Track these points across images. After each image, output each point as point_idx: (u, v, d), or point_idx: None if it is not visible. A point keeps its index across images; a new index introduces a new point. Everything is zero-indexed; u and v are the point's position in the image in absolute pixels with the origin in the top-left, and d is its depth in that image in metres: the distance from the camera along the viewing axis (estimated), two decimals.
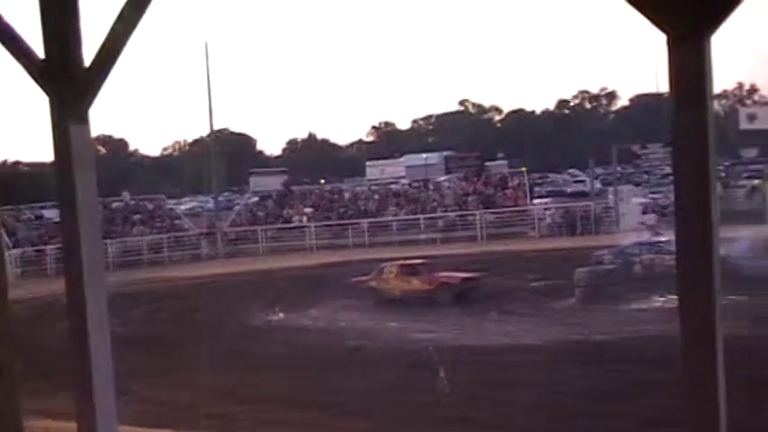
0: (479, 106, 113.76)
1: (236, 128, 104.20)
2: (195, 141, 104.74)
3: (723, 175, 46.55)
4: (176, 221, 49.54)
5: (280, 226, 47.26)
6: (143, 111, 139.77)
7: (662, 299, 23.37)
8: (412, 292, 27.29)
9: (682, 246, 3.12)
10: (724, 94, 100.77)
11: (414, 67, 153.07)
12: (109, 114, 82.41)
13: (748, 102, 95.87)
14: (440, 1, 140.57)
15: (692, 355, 3.07)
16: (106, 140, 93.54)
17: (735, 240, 24.12)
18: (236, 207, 55.43)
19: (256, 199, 52.73)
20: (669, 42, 3.15)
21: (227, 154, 75.26)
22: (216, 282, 35.50)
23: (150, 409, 16.11)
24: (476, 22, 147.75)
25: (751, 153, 48.20)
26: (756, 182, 43.79)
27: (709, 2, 3.11)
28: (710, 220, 3.04)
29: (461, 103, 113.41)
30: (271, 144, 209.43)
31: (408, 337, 22.45)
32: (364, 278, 28.87)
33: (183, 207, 65.80)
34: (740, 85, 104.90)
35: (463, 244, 40.91)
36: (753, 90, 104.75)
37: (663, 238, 27.62)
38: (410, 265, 28.85)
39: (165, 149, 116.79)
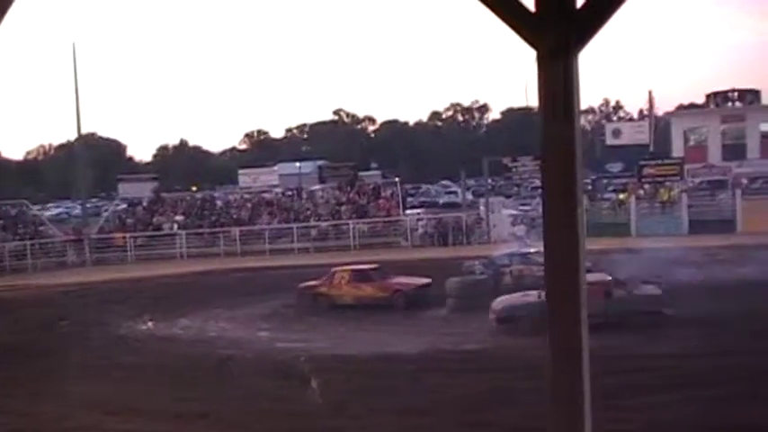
0: (353, 116, 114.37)
1: (105, 132, 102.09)
2: (61, 145, 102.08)
3: (590, 188, 47.96)
4: (41, 228, 47.92)
5: (149, 233, 46.32)
6: (5, 112, 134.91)
7: None
8: (365, 298, 26.65)
9: (550, 256, 3.19)
10: (591, 110, 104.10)
11: (288, 75, 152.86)
12: None
13: (614, 118, 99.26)
14: (315, 11, 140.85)
15: (559, 363, 3.13)
16: None
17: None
18: (105, 214, 54.03)
19: (125, 206, 51.54)
20: (539, 58, 3.22)
21: (96, 159, 73.41)
22: (84, 290, 34.55)
23: (10, 422, 15.57)
24: (351, 33, 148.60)
25: (616, 168, 49.71)
26: (622, 195, 45.32)
27: (576, 21, 3.19)
28: (577, 231, 3.11)
29: (336, 112, 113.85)
30: (141, 150, 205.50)
31: (276, 346, 22.33)
32: (313, 283, 27.97)
33: (48, 213, 63.92)
34: (606, 102, 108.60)
35: (336, 253, 40.93)
36: (618, 107, 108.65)
37: (532, 249, 28.17)
38: (362, 270, 28.12)
39: (28, 153, 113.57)
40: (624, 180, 47.76)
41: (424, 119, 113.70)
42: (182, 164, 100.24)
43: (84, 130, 53.13)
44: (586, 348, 3.18)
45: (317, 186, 52.53)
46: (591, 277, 24.02)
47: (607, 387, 12.27)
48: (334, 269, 28.35)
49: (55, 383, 18.29)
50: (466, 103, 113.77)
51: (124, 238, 45.46)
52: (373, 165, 73.68)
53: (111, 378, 18.96)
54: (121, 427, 15.26)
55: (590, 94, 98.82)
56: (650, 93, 56.80)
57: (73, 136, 57.34)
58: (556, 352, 3.17)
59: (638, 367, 17.00)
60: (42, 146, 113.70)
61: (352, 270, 27.99)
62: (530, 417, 11.78)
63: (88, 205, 54.91)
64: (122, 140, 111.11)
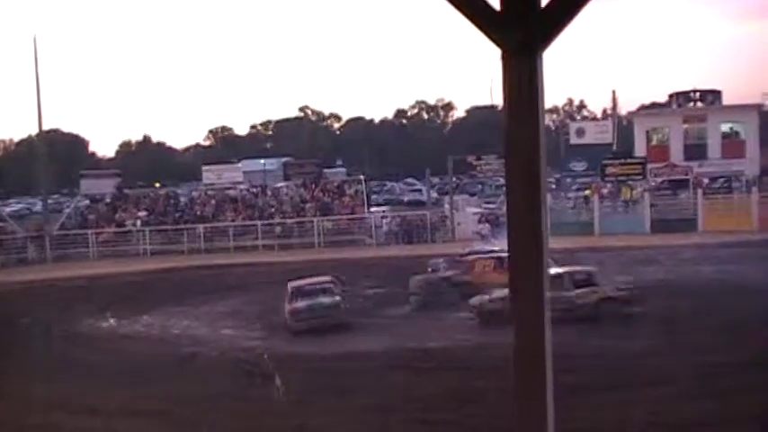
0: (319, 113, 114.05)
1: (67, 128, 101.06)
2: (22, 141, 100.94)
3: (554, 187, 48.18)
4: (1, 224, 47.30)
5: (112, 230, 45.89)
6: None
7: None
8: None
9: (513, 254, 3.19)
10: (555, 109, 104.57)
11: (253, 71, 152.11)
12: None
13: (578, 117, 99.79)
14: (281, 8, 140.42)
15: (522, 361, 3.13)
16: None
17: None
18: (66, 210, 53.45)
19: (87, 202, 51.01)
20: (503, 56, 3.22)
21: (58, 155, 72.61)
22: (45, 287, 34.13)
23: None
24: (317, 30, 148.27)
25: (579, 167, 49.92)
26: (586, 192, 45.64)
27: (541, 19, 3.19)
28: (541, 230, 3.12)
29: (301, 109, 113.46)
30: (104, 146, 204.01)
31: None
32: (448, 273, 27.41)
33: (8, 209, 63.10)
34: (570, 101, 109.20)
35: (301, 251, 40.87)
36: (582, 106, 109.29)
37: (496, 248, 28.21)
38: (501, 258, 27.19)
39: None
40: (588, 179, 48.01)
41: (390, 116, 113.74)
42: (145, 160, 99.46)
43: (45, 126, 52.65)
44: (549, 346, 3.18)
45: (282, 183, 52.34)
46: None
47: None
48: (467, 258, 27.82)
49: (14, 382, 18.09)
50: (431, 101, 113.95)
51: (103, 233, 45.00)
52: (338, 162, 73.57)
53: (72, 376, 18.78)
54: (80, 425, 15.13)
55: (554, 93, 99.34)
56: (614, 92, 57.35)
57: (34, 131, 56.74)
58: (519, 350, 3.17)
59: None
60: (3, 141, 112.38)
61: (494, 258, 27.46)
62: None
63: (50, 201, 54.24)
64: (85, 136, 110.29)
